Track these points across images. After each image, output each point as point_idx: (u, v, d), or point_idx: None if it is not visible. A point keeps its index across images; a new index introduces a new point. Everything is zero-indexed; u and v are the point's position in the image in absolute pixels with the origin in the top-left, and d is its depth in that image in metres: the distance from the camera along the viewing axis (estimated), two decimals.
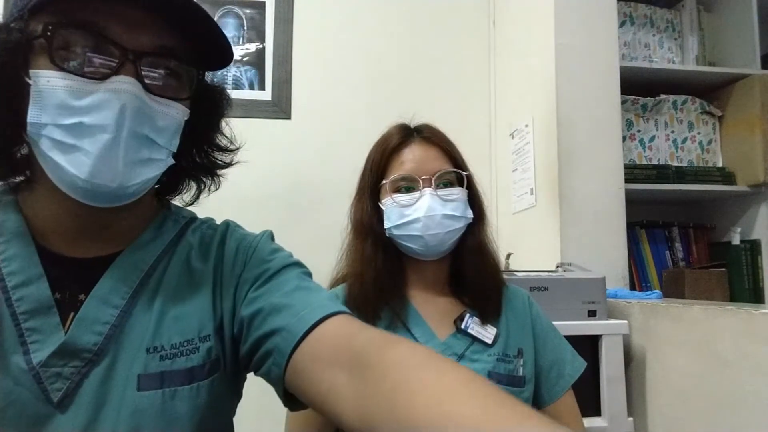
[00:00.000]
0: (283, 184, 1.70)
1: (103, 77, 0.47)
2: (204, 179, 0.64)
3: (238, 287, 0.59)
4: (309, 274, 0.63)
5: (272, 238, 0.66)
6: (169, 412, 0.52)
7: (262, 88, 1.76)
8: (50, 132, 0.47)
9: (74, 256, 0.54)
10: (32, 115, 0.47)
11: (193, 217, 0.65)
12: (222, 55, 0.56)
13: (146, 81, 0.49)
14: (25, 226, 0.53)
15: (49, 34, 0.46)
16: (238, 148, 0.64)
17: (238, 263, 0.61)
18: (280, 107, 1.76)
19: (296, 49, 1.79)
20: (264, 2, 1.79)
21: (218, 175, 0.64)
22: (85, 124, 0.47)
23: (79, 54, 0.47)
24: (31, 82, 0.47)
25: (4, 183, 0.56)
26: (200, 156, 0.62)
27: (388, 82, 1.83)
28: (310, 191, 1.73)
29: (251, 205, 1.59)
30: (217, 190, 0.65)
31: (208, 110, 0.60)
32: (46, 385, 0.49)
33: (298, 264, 0.63)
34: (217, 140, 0.62)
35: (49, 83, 0.47)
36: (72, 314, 0.52)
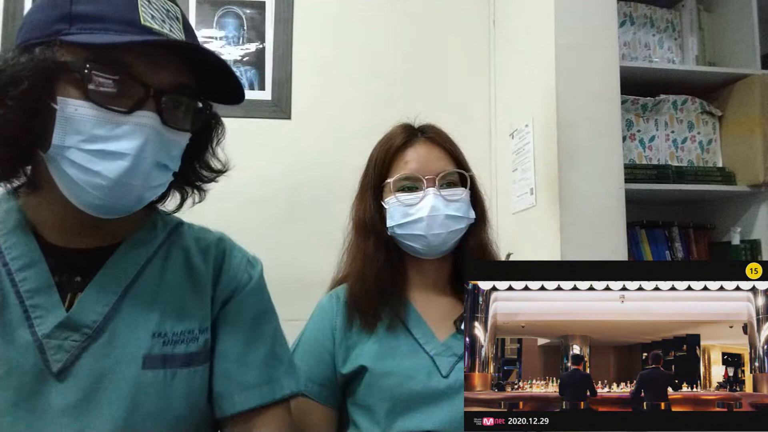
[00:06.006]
0: (283, 184, 1.69)
1: (129, 111, 0.53)
2: (189, 191, 0.69)
3: (223, 306, 0.67)
4: (279, 330, 0.71)
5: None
6: (167, 391, 0.59)
7: (262, 88, 1.75)
8: (72, 154, 0.52)
9: (71, 247, 0.60)
10: (57, 138, 0.52)
11: (180, 221, 0.71)
12: (233, 92, 0.62)
13: (164, 115, 0.55)
14: (25, 222, 0.59)
15: (86, 71, 0.51)
16: (226, 170, 0.70)
17: (240, 282, 0.68)
18: (280, 107, 1.76)
19: (296, 49, 1.78)
20: (264, 2, 1.79)
21: (203, 190, 0.70)
22: (107, 152, 0.52)
23: (108, 88, 0.52)
24: (57, 107, 0.51)
25: (5, 188, 0.61)
26: (192, 173, 0.67)
27: (388, 82, 1.82)
28: (310, 191, 1.72)
29: (251, 205, 1.58)
30: (200, 201, 0.71)
31: (207, 136, 0.66)
32: (48, 356, 0.55)
33: (274, 316, 0.71)
34: (212, 163, 0.68)
35: (77, 111, 0.51)
36: (69, 295, 0.58)
